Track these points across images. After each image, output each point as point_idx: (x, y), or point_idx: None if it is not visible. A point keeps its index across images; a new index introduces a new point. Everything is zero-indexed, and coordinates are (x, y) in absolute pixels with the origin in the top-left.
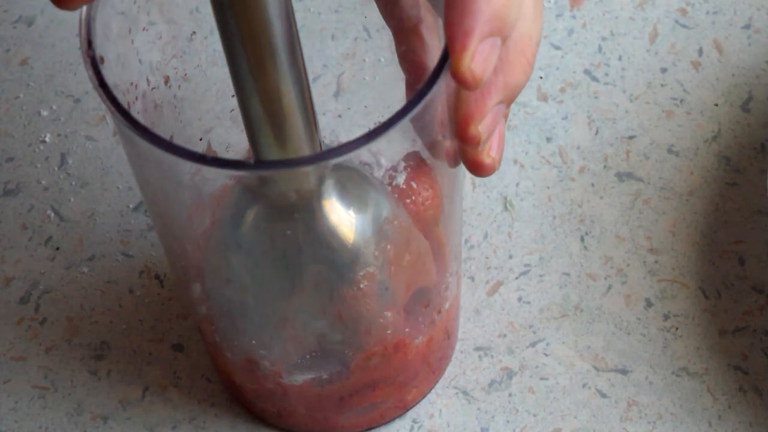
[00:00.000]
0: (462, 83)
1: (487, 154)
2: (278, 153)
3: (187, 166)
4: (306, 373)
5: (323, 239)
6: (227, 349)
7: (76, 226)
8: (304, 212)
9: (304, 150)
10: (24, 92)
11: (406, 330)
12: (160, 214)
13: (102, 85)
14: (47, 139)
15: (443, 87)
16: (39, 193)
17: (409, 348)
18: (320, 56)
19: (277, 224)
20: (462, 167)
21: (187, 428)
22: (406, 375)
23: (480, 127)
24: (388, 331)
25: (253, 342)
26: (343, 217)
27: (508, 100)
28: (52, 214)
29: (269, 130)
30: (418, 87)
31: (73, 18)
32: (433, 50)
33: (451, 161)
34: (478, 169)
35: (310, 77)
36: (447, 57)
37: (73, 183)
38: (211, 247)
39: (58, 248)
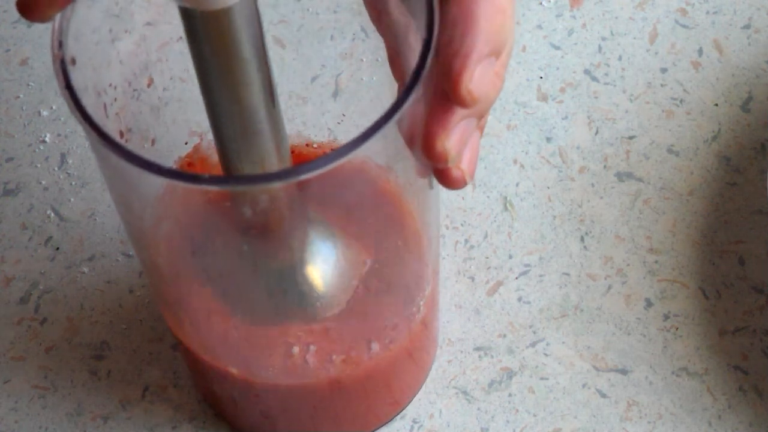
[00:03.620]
0: (460, 103)
1: (457, 167)
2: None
3: (138, 173)
4: (283, 378)
5: (299, 290)
6: (203, 353)
7: (76, 226)
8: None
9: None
10: (24, 92)
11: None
12: (125, 218)
13: (68, 87)
14: (47, 139)
15: (422, 91)
16: (39, 193)
17: (381, 354)
18: (318, 56)
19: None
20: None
21: (187, 428)
22: (391, 374)
23: (447, 144)
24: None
25: (226, 350)
26: (321, 276)
27: (478, 115)
28: (52, 214)
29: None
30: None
31: None
32: None
33: (420, 173)
34: (446, 181)
35: (309, 77)
36: (426, 55)
37: (73, 183)
38: (182, 271)
39: (58, 248)
